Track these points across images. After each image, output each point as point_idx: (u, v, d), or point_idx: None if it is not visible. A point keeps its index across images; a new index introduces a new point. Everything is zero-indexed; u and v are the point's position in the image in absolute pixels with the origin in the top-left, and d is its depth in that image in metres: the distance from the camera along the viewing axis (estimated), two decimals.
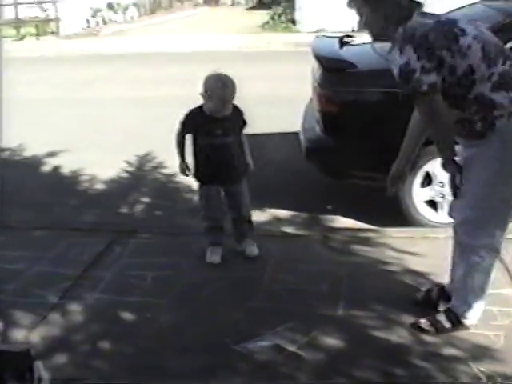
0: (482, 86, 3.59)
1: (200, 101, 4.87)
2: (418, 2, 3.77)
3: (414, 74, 3.54)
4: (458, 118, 3.73)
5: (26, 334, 4.22)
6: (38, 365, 3.46)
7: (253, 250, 5.20)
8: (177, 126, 4.99)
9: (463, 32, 3.59)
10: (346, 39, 6.77)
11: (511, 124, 3.60)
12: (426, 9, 3.78)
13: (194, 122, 4.98)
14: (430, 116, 3.72)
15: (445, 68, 3.55)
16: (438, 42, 3.54)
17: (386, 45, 5.72)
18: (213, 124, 4.90)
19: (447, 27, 3.62)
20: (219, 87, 4.79)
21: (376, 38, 3.91)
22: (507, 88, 3.59)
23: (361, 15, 3.81)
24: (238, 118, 4.99)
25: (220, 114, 4.86)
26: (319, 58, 6.09)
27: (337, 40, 6.66)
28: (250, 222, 5.27)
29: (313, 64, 6.32)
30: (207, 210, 5.23)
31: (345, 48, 6.49)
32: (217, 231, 5.25)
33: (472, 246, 3.87)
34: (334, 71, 5.79)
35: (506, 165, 3.69)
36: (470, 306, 4.01)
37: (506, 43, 4.42)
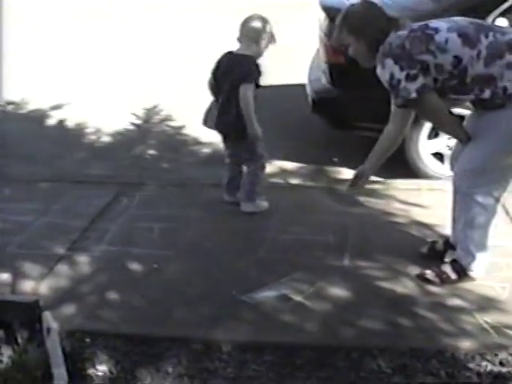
0: (475, 66, 3.61)
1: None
2: (395, 20, 3.85)
3: (400, 84, 3.64)
4: (469, 100, 3.78)
5: (34, 285, 4.24)
6: (47, 315, 3.50)
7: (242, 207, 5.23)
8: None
9: (436, 30, 3.67)
10: None
11: None
12: None
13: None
14: (431, 117, 3.96)
15: (431, 69, 3.63)
16: (416, 48, 3.63)
17: None
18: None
19: (420, 32, 3.70)
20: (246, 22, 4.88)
21: (365, 65, 3.97)
22: (499, 56, 3.60)
23: (348, 46, 3.95)
24: (237, 66, 4.86)
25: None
26: (326, 8, 6.04)
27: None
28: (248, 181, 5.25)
29: (319, 14, 6.26)
30: None
31: None
32: None
33: (470, 194, 3.87)
34: None
35: None
36: (473, 257, 4.02)
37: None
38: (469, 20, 3.77)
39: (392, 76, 3.66)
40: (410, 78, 3.61)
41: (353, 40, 3.89)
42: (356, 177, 4.38)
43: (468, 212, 3.92)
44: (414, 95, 3.64)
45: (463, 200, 3.95)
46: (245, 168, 5.20)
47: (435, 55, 3.60)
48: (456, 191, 4.07)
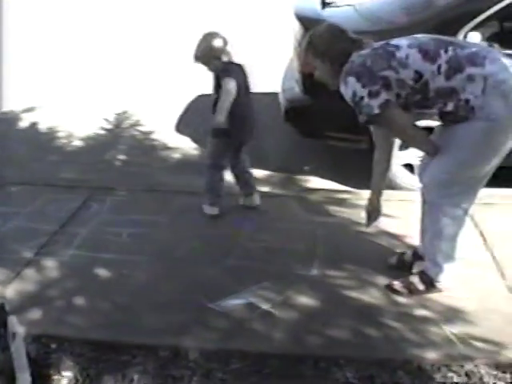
0: (436, 80, 3.65)
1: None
2: (359, 40, 3.90)
3: (363, 100, 3.68)
4: (434, 114, 3.81)
5: (1, 289, 4.22)
6: (12, 319, 3.46)
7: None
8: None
9: (397, 47, 3.72)
10: (328, 0, 6.72)
11: (486, 98, 3.61)
12: None
13: None
14: (397, 132, 3.93)
15: (393, 84, 3.67)
16: (377, 65, 3.67)
17: (369, 6, 5.74)
18: None
19: (381, 50, 3.75)
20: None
21: (332, 87, 4.00)
22: (459, 69, 3.63)
23: (314, 69, 4.01)
24: (221, 73, 4.88)
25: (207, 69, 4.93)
26: (300, 18, 6.06)
27: (319, 0, 6.61)
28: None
29: (293, 24, 6.28)
30: None
31: (327, 9, 6.44)
32: None
33: (438, 204, 3.89)
34: None
35: (488, 143, 3.70)
36: (441, 268, 4.04)
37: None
38: (430, 36, 3.82)
39: (355, 93, 3.70)
40: (373, 95, 3.65)
41: (318, 63, 3.95)
42: (368, 214, 4.39)
43: (436, 223, 3.95)
44: (376, 111, 3.67)
45: (431, 211, 3.98)
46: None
47: (397, 71, 3.65)
48: (424, 202, 4.10)
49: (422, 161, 4.27)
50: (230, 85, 4.78)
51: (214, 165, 5.17)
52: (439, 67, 3.62)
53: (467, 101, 3.61)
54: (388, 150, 4.18)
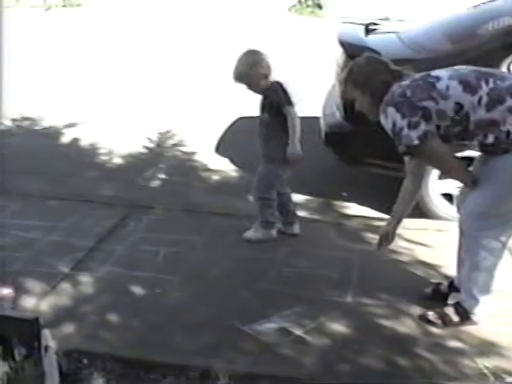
0: (477, 112, 3.64)
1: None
2: (398, 71, 3.92)
3: (402, 131, 3.68)
4: (474, 146, 3.80)
5: (36, 302, 4.25)
6: (46, 333, 3.48)
7: (247, 234, 5.26)
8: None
9: (438, 78, 3.73)
10: (371, 27, 6.74)
11: None
12: None
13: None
14: (436, 163, 3.98)
15: (433, 115, 3.67)
16: (417, 96, 3.68)
17: (413, 33, 5.73)
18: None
19: (421, 81, 3.77)
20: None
21: (372, 118, 4.03)
22: (500, 101, 3.62)
23: (354, 99, 4.04)
24: (273, 96, 4.86)
25: (249, 89, 4.89)
26: (343, 43, 6.07)
27: (362, 27, 6.62)
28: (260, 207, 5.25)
29: (337, 50, 6.30)
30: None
31: (370, 35, 6.45)
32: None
33: (477, 237, 3.86)
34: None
35: None
36: (477, 301, 3.99)
37: None
38: (470, 68, 3.82)
39: (394, 124, 3.71)
40: (412, 126, 3.65)
41: (358, 94, 3.98)
42: (381, 238, 4.37)
43: (474, 255, 3.91)
44: (416, 142, 3.66)
45: (469, 243, 3.94)
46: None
47: (437, 101, 3.64)
48: (462, 234, 4.06)
49: (460, 192, 4.24)
50: (295, 112, 4.81)
51: (269, 191, 5.14)
52: (480, 99, 3.61)
53: (508, 132, 3.59)
54: (419, 179, 4.17)
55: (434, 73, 3.79)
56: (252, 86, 4.84)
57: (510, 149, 3.62)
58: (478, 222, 3.82)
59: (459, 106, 3.63)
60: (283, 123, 4.84)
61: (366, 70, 3.96)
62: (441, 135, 3.71)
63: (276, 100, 4.82)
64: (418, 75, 3.84)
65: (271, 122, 4.91)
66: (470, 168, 4.01)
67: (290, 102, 4.83)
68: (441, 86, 3.67)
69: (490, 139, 3.65)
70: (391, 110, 3.71)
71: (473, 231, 3.88)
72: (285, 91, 4.86)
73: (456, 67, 3.86)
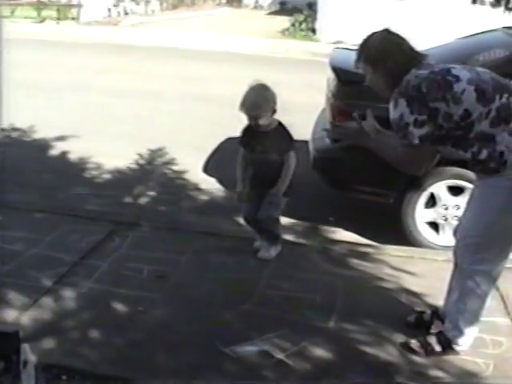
0: (481, 124, 3.63)
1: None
2: (417, 55, 3.83)
3: (408, 127, 3.64)
4: (466, 159, 3.79)
5: (17, 315, 4.22)
6: (26, 347, 3.46)
7: (263, 254, 5.28)
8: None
9: (457, 78, 3.65)
10: None
11: None
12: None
13: (243, 137, 5.14)
14: (414, 156, 3.77)
15: (440, 116, 3.62)
16: (431, 93, 3.61)
17: None
18: (254, 139, 5.01)
19: (440, 76, 3.67)
20: (246, 91, 4.88)
21: (380, 94, 3.96)
22: (506, 120, 3.63)
23: (365, 74, 3.94)
24: (280, 138, 4.99)
25: (250, 120, 4.93)
26: (336, 69, 6.10)
27: (355, 52, 6.64)
28: (272, 228, 5.32)
29: (329, 75, 6.32)
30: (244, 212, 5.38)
31: None
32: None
33: (469, 270, 3.87)
34: (349, 84, 5.76)
35: None
36: (461, 332, 4.00)
37: None
38: (491, 74, 3.77)
39: (401, 117, 3.65)
40: (418, 124, 3.61)
41: (369, 70, 3.88)
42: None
43: (464, 287, 3.92)
44: (416, 141, 3.63)
45: (461, 275, 3.96)
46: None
47: (448, 104, 3.59)
48: (456, 264, 4.06)
49: (459, 220, 4.24)
50: (294, 160, 5.03)
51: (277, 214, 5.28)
52: (488, 112, 3.60)
53: (502, 153, 3.60)
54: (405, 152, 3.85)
55: (455, 71, 3.70)
56: (260, 119, 4.89)
57: (499, 170, 3.62)
58: (471, 256, 3.83)
59: (467, 114, 3.60)
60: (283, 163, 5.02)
61: (380, 48, 3.82)
62: (442, 135, 3.68)
63: (284, 144, 4.99)
64: (437, 67, 3.75)
65: (276, 161, 5.02)
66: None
67: (293, 145, 5.01)
68: (458, 88, 3.61)
69: (483, 155, 3.64)
70: (402, 102, 3.64)
71: (466, 263, 3.88)
72: (289, 134, 5.00)
73: (478, 69, 3.81)
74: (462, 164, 4.10)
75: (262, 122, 4.88)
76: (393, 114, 3.72)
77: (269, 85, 4.94)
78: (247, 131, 5.09)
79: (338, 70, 6.04)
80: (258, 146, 5.01)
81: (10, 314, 4.22)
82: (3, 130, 8.63)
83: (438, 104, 3.60)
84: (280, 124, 5.01)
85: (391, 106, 3.73)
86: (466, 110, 3.60)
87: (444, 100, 3.59)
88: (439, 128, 3.65)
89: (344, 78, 5.85)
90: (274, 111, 4.92)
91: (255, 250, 5.32)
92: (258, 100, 4.84)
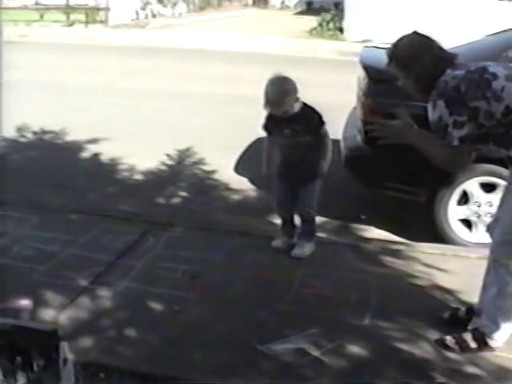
0: None
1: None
2: (448, 55, 3.82)
3: (447, 128, 3.63)
4: (505, 156, 3.79)
5: (55, 314, 4.28)
6: (64, 346, 3.50)
7: (298, 252, 5.28)
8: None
9: (495, 76, 3.64)
10: None
11: None
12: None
13: (268, 123, 5.13)
14: (454, 156, 3.76)
15: (481, 115, 3.60)
16: (470, 93, 3.59)
17: None
18: (281, 124, 5.01)
19: (477, 75, 3.66)
20: (266, 87, 4.87)
21: (415, 97, 3.98)
22: None
23: (397, 78, 3.95)
24: (308, 117, 5.00)
25: (277, 113, 4.94)
26: (366, 67, 6.10)
27: (385, 51, 6.64)
28: (308, 224, 5.34)
29: (359, 73, 6.33)
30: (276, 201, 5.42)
31: None
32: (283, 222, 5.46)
33: (507, 265, 3.86)
34: (380, 82, 5.76)
35: None
36: (497, 327, 3.99)
37: None
38: None
39: (440, 118, 3.64)
40: (458, 125, 3.60)
41: (401, 74, 3.88)
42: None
43: (501, 282, 3.92)
44: (455, 143, 3.62)
45: (497, 269, 3.94)
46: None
47: (489, 102, 3.58)
48: (491, 259, 4.04)
49: (493, 216, 4.24)
50: (329, 135, 5.07)
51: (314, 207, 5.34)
52: None
53: None
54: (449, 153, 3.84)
55: (492, 68, 3.69)
56: (287, 112, 4.92)
57: None
58: (507, 249, 3.82)
59: (508, 111, 3.59)
60: (316, 143, 5.03)
61: (410, 52, 3.82)
62: (483, 134, 3.66)
63: (314, 122, 5.00)
64: (472, 65, 3.74)
65: (309, 143, 5.02)
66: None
67: (324, 122, 5.03)
68: (497, 85, 3.60)
69: None
70: (441, 103, 3.63)
71: (502, 258, 3.88)
72: (316, 112, 5.02)
73: (508, 65, 3.80)
74: (494, 161, 4.10)
75: (289, 114, 4.93)
76: (432, 115, 3.71)
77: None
78: (271, 116, 5.08)
79: (368, 69, 6.04)
80: (286, 129, 5.00)
81: (48, 314, 4.28)
82: (35, 133, 8.75)
83: (478, 103, 3.58)
84: (305, 104, 5.01)
85: (430, 107, 3.73)
86: (507, 107, 3.58)
87: (484, 98, 3.58)
88: (480, 127, 3.63)
89: (375, 77, 5.85)
90: (297, 99, 4.93)
91: (274, 248, 5.36)
92: (281, 97, 4.86)
